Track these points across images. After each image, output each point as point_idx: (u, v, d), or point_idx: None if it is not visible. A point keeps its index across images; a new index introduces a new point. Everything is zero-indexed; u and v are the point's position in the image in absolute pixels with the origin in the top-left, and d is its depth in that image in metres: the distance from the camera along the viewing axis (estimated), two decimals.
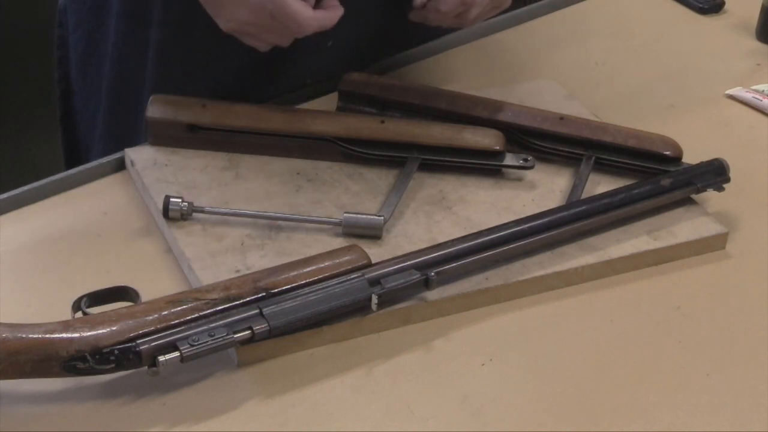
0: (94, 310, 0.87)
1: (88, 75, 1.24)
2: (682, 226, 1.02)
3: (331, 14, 1.01)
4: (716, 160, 1.06)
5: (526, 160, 1.07)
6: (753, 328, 0.95)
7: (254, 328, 0.85)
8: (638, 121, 1.14)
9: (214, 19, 1.02)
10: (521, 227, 0.97)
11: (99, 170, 1.08)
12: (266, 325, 0.86)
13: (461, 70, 1.25)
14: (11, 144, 2.04)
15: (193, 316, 0.85)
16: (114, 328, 0.83)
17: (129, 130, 1.19)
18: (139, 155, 1.07)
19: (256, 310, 0.86)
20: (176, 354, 0.83)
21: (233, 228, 0.99)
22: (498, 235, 0.96)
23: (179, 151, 1.07)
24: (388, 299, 0.91)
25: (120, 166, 1.08)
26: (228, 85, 1.15)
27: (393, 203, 1.01)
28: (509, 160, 1.07)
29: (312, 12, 0.99)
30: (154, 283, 0.94)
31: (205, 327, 0.84)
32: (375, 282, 0.90)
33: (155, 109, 1.07)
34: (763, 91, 1.24)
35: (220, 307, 0.86)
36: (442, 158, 1.07)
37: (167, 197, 0.99)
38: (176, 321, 0.84)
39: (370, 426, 0.84)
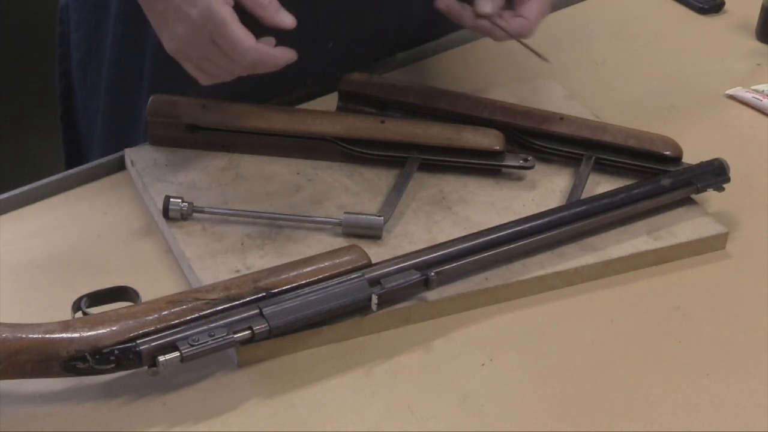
0: (94, 310, 0.87)
1: (88, 75, 1.24)
2: (682, 226, 1.02)
3: (277, 53, 0.96)
4: (716, 160, 1.06)
5: (526, 160, 1.07)
6: (753, 328, 0.95)
7: (254, 328, 0.85)
8: (638, 121, 1.14)
9: (162, 41, 0.98)
10: (521, 227, 0.97)
11: (99, 170, 1.08)
12: (266, 325, 0.86)
13: (461, 70, 1.25)
14: (11, 144, 2.03)
15: (193, 316, 0.85)
16: (114, 328, 0.83)
17: (129, 130, 1.19)
18: (139, 155, 1.07)
19: (256, 310, 0.86)
20: (176, 354, 0.83)
21: (233, 228, 0.99)
22: (498, 235, 0.96)
23: (179, 151, 1.07)
24: (388, 299, 0.91)
25: (120, 166, 1.08)
26: (227, 86, 1.15)
27: (393, 203, 1.01)
28: (509, 160, 1.07)
29: (253, 43, 0.93)
30: (154, 283, 0.94)
31: (205, 327, 0.85)
32: (375, 282, 0.90)
33: (155, 109, 1.07)
34: (763, 91, 1.24)
35: (220, 307, 0.86)
36: (442, 158, 1.07)
37: (167, 197, 0.99)
38: (176, 321, 0.84)
39: (370, 426, 0.84)
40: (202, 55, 0.96)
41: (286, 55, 0.96)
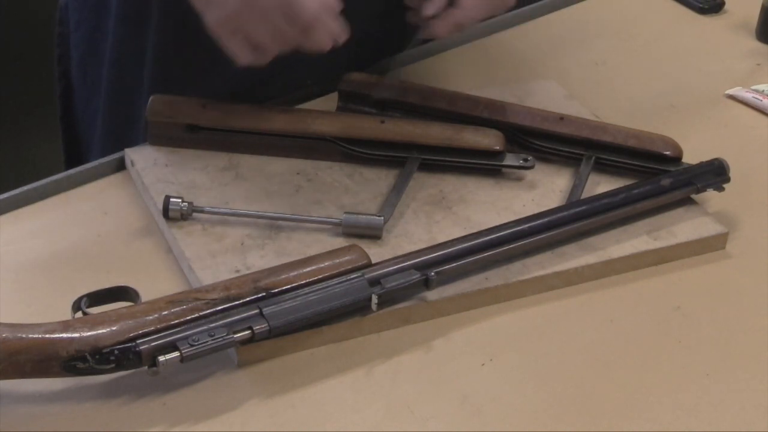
0: (94, 310, 0.87)
1: (88, 75, 1.24)
2: (682, 226, 1.02)
3: (335, 23, 0.97)
4: (716, 160, 1.06)
5: (526, 160, 1.07)
6: (753, 328, 0.95)
7: (254, 328, 0.85)
8: (638, 121, 1.14)
9: (204, 13, 0.98)
10: (521, 227, 0.97)
11: (99, 170, 1.08)
12: (266, 325, 0.86)
13: (461, 70, 1.25)
14: (11, 144, 2.04)
15: (193, 316, 0.85)
16: (114, 328, 0.83)
17: (129, 130, 1.19)
18: (139, 155, 1.07)
19: (256, 310, 0.86)
20: (176, 354, 0.83)
21: (233, 228, 0.99)
22: (498, 235, 0.96)
23: (179, 151, 1.07)
24: (388, 299, 0.91)
25: (120, 166, 1.08)
26: (227, 87, 1.15)
27: (393, 203, 1.01)
28: (509, 160, 1.07)
29: (320, 3, 0.95)
30: (154, 283, 0.94)
31: (205, 327, 0.84)
32: (375, 282, 0.90)
33: (155, 109, 1.07)
34: (763, 91, 1.24)
35: (220, 307, 0.86)
36: (442, 158, 1.07)
37: (167, 197, 0.99)
38: (176, 321, 0.84)
39: (370, 426, 0.84)
40: (257, 19, 0.96)
41: (341, 32, 0.98)
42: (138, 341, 0.83)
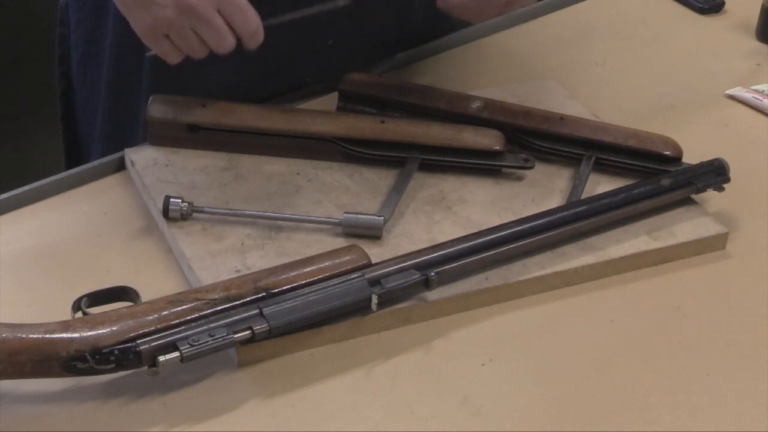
0: (94, 310, 0.87)
1: (88, 75, 1.24)
2: (682, 226, 1.02)
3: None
4: (716, 160, 1.06)
5: (526, 160, 1.07)
6: (753, 328, 0.95)
7: (254, 328, 0.85)
8: (638, 121, 1.14)
9: (135, 15, 0.99)
10: (521, 227, 0.97)
11: (99, 170, 1.08)
12: (266, 325, 0.86)
13: (461, 70, 1.25)
14: (11, 144, 2.04)
15: (193, 316, 0.85)
16: (114, 328, 0.83)
17: (129, 130, 1.19)
18: (139, 155, 1.07)
19: (256, 310, 0.86)
20: (176, 354, 0.83)
21: (233, 228, 0.99)
22: (498, 235, 0.96)
23: (179, 151, 1.07)
24: (388, 299, 0.91)
25: (120, 166, 1.08)
26: (227, 86, 1.15)
27: (393, 203, 1.01)
28: (509, 160, 1.07)
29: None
30: (154, 283, 0.94)
31: (205, 327, 0.85)
32: (375, 282, 0.90)
33: (155, 109, 1.07)
34: (763, 91, 1.24)
35: (220, 307, 0.86)
36: (442, 158, 1.07)
37: (167, 197, 0.99)
38: (176, 321, 0.84)
39: (370, 426, 0.84)
40: (194, 25, 0.97)
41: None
42: (138, 341, 0.83)
